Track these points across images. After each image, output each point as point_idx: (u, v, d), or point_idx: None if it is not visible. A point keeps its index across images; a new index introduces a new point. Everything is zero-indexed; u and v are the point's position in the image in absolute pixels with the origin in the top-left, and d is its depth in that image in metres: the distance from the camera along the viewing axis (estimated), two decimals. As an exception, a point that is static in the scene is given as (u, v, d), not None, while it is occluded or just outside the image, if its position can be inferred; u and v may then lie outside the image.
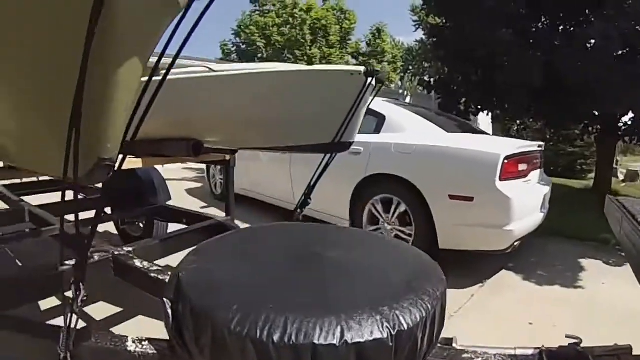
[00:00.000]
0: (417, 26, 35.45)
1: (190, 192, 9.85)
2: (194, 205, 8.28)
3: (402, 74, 40.03)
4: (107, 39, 1.06)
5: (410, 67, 39.90)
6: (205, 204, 8.24)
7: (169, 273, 2.74)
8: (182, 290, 1.35)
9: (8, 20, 1.14)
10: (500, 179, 4.51)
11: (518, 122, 14.26)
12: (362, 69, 2.71)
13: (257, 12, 37.56)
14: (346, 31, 37.55)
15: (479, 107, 11.62)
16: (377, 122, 5.69)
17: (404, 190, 5.03)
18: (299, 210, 3.33)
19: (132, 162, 3.36)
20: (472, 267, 5.14)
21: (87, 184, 1.32)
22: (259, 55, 34.75)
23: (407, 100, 15.09)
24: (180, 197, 8.77)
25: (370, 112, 5.60)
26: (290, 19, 35.50)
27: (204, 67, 3.56)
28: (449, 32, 11.09)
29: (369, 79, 2.71)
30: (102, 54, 1.07)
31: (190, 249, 3.75)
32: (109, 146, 1.24)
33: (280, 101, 2.94)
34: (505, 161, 4.56)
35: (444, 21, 11.82)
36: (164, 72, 1.35)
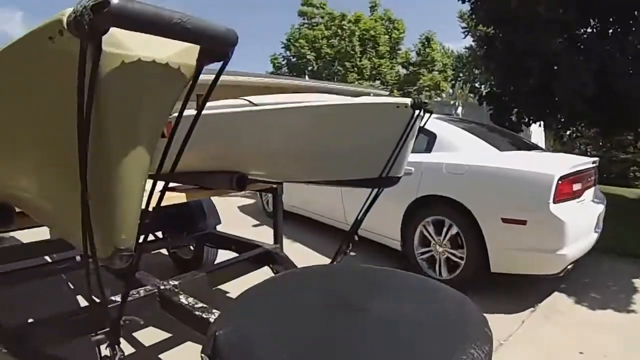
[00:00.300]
0: (466, 33, 34.75)
1: (242, 208, 9.91)
2: (246, 222, 8.32)
3: (453, 82, 39.68)
4: (102, 134, 1.17)
5: (461, 75, 39.54)
6: (257, 222, 8.25)
7: (213, 311, 2.82)
8: (219, 351, 1.37)
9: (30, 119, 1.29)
10: (554, 201, 4.36)
11: (571, 129, 13.96)
12: (409, 101, 2.62)
13: (305, 25, 37.97)
14: (395, 41, 37.55)
15: (531, 118, 11.40)
16: (428, 140, 5.58)
17: (455, 212, 4.92)
18: (344, 253, 3.29)
19: (174, 198, 3.42)
20: (524, 290, 4.98)
21: (108, 265, 1.38)
22: (309, 68, 35.03)
23: (459, 110, 14.82)
24: (232, 214, 8.85)
25: (420, 130, 5.59)
26: (339, 31, 35.69)
27: (245, 100, 3.52)
28: (498, 42, 10.88)
29: (416, 111, 2.64)
30: (100, 151, 1.17)
31: (238, 278, 3.84)
32: (124, 237, 1.33)
33: (324, 135, 2.87)
34: (560, 182, 4.40)
35: (493, 30, 11.63)
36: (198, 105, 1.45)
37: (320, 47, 35.63)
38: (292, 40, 37.35)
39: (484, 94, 12.67)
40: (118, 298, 2.98)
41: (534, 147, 6.72)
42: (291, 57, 37.72)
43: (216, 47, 1.26)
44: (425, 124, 2.91)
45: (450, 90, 39.52)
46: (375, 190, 3.09)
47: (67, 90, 1.10)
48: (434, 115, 6.19)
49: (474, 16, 12.02)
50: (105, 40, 1.04)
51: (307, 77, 29.97)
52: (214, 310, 2.86)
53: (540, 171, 4.51)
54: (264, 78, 23.05)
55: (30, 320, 3.26)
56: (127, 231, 1.33)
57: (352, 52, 35.16)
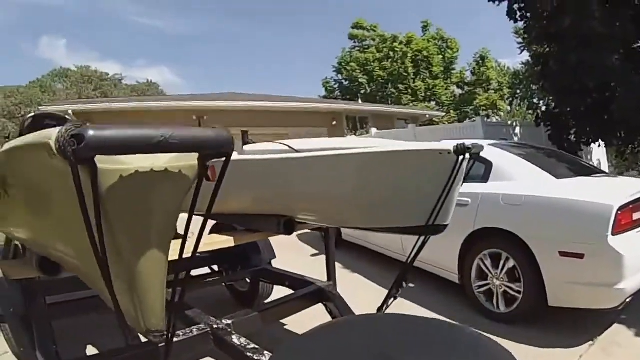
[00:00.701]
0: (522, 48, 34.45)
1: (300, 237, 9.90)
2: (304, 251, 8.34)
3: (511, 100, 39.17)
4: (115, 239, 1.34)
5: (518, 91, 38.99)
6: (316, 251, 8.23)
7: (265, 353, 2.91)
8: None
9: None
10: (613, 234, 4.11)
11: (632, 145, 13.64)
12: (451, 147, 2.49)
13: (356, 48, 38.20)
14: (449, 60, 37.41)
15: (590, 138, 11.19)
16: (485, 169, 5.46)
17: (512, 244, 4.77)
18: (393, 297, 3.23)
19: (222, 242, 3.53)
20: (582, 322, 4.77)
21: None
22: (362, 92, 35.19)
23: (517, 130, 14.67)
24: (290, 243, 8.89)
25: (477, 158, 5.50)
26: (391, 53, 35.73)
27: (285, 145, 3.46)
28: (553, 61, 10.74)
29: (460, 157, 2.50)
30: (118, 255, 1.35)
31: (291, 316, 3.88)
32: (154, 322, 1.49)
33: (366, 182, 2.80)
34: (619, 212, 4.14)
35: (548, 48, 11.52)
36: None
37: (372, 70, 35.75)
38: (343, 64, 37.59)
39: (540, 114, 12.54)
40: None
41: (593, 170, 6.49)
42: (343, 81, 37.96)
43: (212, 151, 1.38)
44: (471, 168, 2.80)
45: (509, 108, 38.98)
46: (422, 238, 2.95)
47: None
48: (490, 142, 6.15)
49: (526, 35, 12.00)
50: (99, 158, 1.16)
51: (359, 100, 30.17)
52: (265, 352, 2.95)
53: (598, 201, 4.34)
54: (317, 103, 23.44)
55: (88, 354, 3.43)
56: (156, 316, 1.50)
57: (405, 74, 35.16)
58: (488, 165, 5.49)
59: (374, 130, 19.08)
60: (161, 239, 1.49)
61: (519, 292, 4.74)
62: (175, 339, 3.16)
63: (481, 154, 5.32)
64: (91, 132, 1.12)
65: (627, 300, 4.30)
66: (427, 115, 27.41)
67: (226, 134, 1.40)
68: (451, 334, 1.80)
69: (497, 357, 1.59)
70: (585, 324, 4.71)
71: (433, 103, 36.26)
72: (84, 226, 1.31)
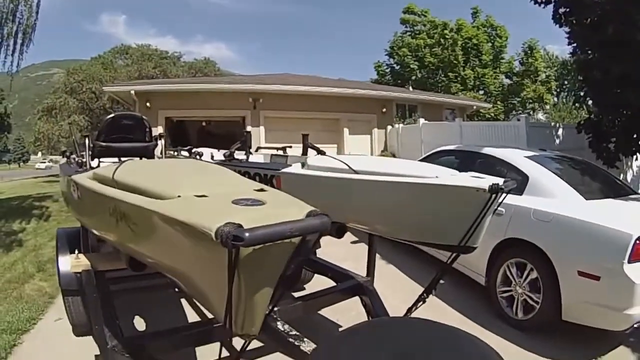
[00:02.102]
0: (567, 36, 33.04)
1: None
2: (345, 238, 8.65)
3: (558, 91, 38.46)
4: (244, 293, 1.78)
5: (566, 82, 38.25)
6: (356, 239, 8.06)
7: (305, 340, 3.36)
8: None
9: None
10: (629, 261, 4.33)
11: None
12: (486, 185, 2.93)
13: (408, 33, 37.79)
14: (498, 49, 36.74)
15: (630, 150, 11.18)
16: (521, 181, 5.58)
17: (537, 257, 5.07)
18: (423, 301, 3.68)
19: None
20: (589, 339, 4.93)
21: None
22: (413, 78, 34.92)
23: (560, 132, 14.38)
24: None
25: (514, 169, 5.93)
26: (442, 40, 35.30)
27: (345, 164, 4.08)
28: (597, 71, 10.52)
29: (493, 196, 2.94)
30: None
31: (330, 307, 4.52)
32: (253, 329, 1.91)
33: (413, 204, 3.30)
34: (637, 242, 4.33)
35: (591, 56, 11.25)
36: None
37: (423, 56, 35.41)
38: (395, 48, 37.28)
39: (582, 121, 12.41)
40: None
41: (625, 191, 6.57)
42: (394, 65, 37.66)
43: (315, 234, 1.94)
44: (501, 202, 3.15)
45: (555, 100, 38.25)
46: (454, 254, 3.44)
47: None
48: (529, 154, 6.48)
49: (572, 41, 11.95)
50: None
51: (410, 87, 29.95)
52: (305, 339, 3.39)
53: (619, 228, 4.52)
54: (369, 90, 23.44)
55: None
56: (257, 323, 1.93)
57: (455, 62, 34.76)
58: (524, 178, 5.77)
59: (422, 121, 19.25)
60: (271, 284, 1.91)
61: (537, 302, 5.07)
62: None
63: (519, 167, 5.83)
64: (247, 235, 1.56)
65: (635, 325, 4.53)
66: (475, 107, 27.23)
67: (327, 220, 1.90)
68: (467, 343, 1.99)
69: None
70: (593, 342, 4.93)
71: (481, 92, 35.80)
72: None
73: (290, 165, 4.86)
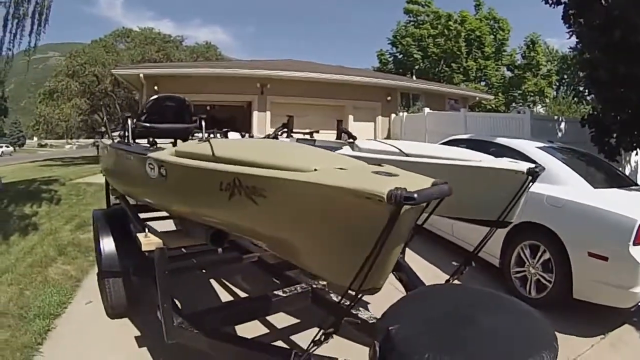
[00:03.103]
0: (572, 34, 33.50)
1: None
2: None
3: (558, 85, 38.63)
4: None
5: (565, 76, 38.44)
6: None
7: (360, 309, 3.61)
8: (391, 342, 2.03)
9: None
10: (634, 244, 4.68)
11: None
12: (525, 168, 3.39)
13: (411, 23, 37.94)
14: (500, 42, 36.99)
15: (631, 145, 11.44)
16: None
17: (550, 240, 5.36)
18: (461, 273, 3.84)
19: None
20: (598, 317, 5.19)
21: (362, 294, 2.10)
22: (416, 67, 34.90)
23: (562, 126, 14.68)
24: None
25: (527, 159, 6.01)
26: (446, 31, 35.47)
27: (395, 147, 4.38)
28: (604, 72, 10.83)
29: (529, 177, 3.36)
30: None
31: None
32: (382, 282, 2.04)
33: (459, 183, 3.25)
34: None
35: (598, 55, 11.33)
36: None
37: (426, 46, 35.58)
38: (398, 37, 37.39)
39: (586, 116, 12.63)
40: (279, 293, 4.02)
41: (627, 182, 6.96)
42: (398, 54, 37.78)
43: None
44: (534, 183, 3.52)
45: (555, 93, 38.45)
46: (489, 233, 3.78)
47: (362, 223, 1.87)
48: (540, 145, 6.69)
49: (579, 45, 12.18)
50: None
51: (414, 76, 29.96)
52: (360, 308, 3.62)
53: (624, 214, 4.89)
54: (374, 78, 23.51)
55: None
56: (385, 278, 2.07)
57: (458, 53, 34.96)
58: (540, 168, 5.96)
59: (426, 110, 19.37)
60: (405, 239, 2.12)
61: (549, 281, 5.37)
62: (282, 294, 4.04)
63: (532, 157, 6.09)
64: (416, 196, 1.71)
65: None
66: (477, 98, 27.35)
67: (450, 187, 2.02)
68: (506, 301, 2.54)
69: (539, 321, 2.28)
70: (600, 320, 5.21)
71: (483, 84, 36.04)
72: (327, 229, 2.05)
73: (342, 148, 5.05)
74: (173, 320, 3.28)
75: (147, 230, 3.60)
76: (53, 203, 11.46)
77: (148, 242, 3.38)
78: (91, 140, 51.74)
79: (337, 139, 5.86)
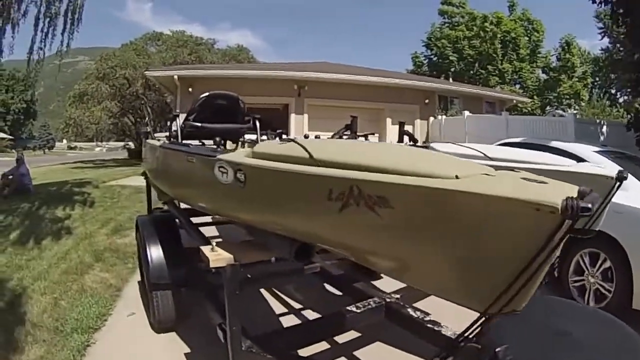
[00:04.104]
0: (603, 34, 33.60)
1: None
2: None
3: (591, 88, 38.11)
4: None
5: (597, 79, 37.89)
6: None
7: (442, 324, 3.34)
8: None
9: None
10: None
11: None
12: (613, 173, 3.18)
13: (446, 25, 37.89)
14: (535, 43, 36.82)
15: None
16: None
17: (611, 248, 5.15)
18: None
19: None
20: None
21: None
22: (452, 70, 34.85)
23: (604, 129, 14.99)
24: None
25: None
26: (481, 32, 35.35)
27: (478, 151, 4.18)
28: None
29: (618, 183, 3.11)
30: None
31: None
32: (524, 304, 1.73)
33: None
34: None
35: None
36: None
37: (462, 48, 35.52)
38: (432, 39, 37.36)
39: (632, 119, 13.33)
40: (352, 309, 3.70)
41: None
42: (432, 57, 37.76)
43: None
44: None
45: (587, 96, 37.97)
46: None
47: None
48: (597, 149, 6.55)
49: (620, 47, 12.74)
50: None
51: (450, 79, 29.81)
52: (442, 324, 3.34)
53: None
54: (412, 81, 23.39)
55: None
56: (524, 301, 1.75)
57: (493, 55, 34.89)
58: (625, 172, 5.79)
59: (466, 113, 19.29)
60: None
61: (609, 291, 5.13)
62: (356, 310, 3.70)
63: (591, 162, 5.79)
64: (590, 206, 1.47)
65: None
66: (514, 101, 27.05)
67: (597, 196, 1.74)
68: (594, 312, 2.70)
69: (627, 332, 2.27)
70: None
71: (517, 86, 35.88)
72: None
73: None
74: (241, 344, 2.95)
75: (214, 243, 3.23)
76: (87, 206, 11.17)
77: (217, 257, 3.00)
78: (121, 143, 52.30)
79: (398, 141, 5.46)
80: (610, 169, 3.43)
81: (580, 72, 36.83)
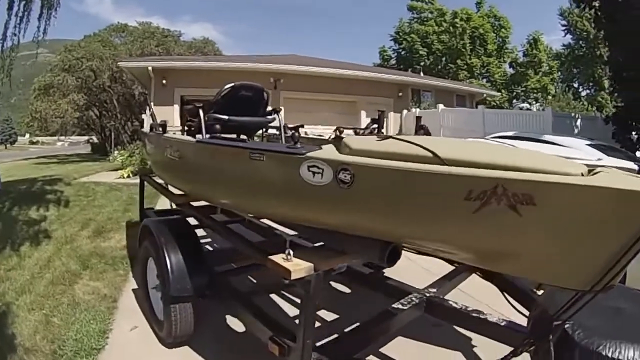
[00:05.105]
0: (567, 31, 34.68)
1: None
2: None
3: (556, 83, 38.88)
4: None
5: (560, 73, 38.69)
6: None
7: (485, 312, 3.34)
8: (569, 335, 2.15)
9: None
10: None
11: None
12: None
13: (415, 20, 38.27)
14: (502, 39, 37.59)
15: None
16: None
17: None
18: None
19: None
20: None
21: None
22: (422, 64, 35.19)
23: (579, 123, 15.54)
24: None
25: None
26: (451, 28, 35.86)
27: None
28: (634, 74, 11.93)
29: None
30: None
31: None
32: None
33: None
34: None
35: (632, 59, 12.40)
36: None
37: (431, 43, 35.97)
38: (401, 34, 37.71)
39: (610, 115, 14.33)
40: (398, 306, 3.56)
41: None
42: (401, 51, 38.11)
43: None
44: None
45: (553, 90, 38.72)
46: None
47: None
48: (588, 142, 6.71)
49: (607, 44, 14.32)
50: None
51: (422, 72, 30.02)
52: (485, 312, 3.33)
53: None
54: (386, 74, 23.50)
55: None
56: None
57: (462, 50, 35.36)
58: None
59: (441, 106, 19.53)
60: None
61: None
62: (402, 307, 3.56)
63: (586, 154, 5.76)
64: None
65: None
66: (484, 94, 27.41)
67: None
68: None
69: None
70: None
71: (485, 80, 36.63)
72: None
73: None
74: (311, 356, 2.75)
75: (290, 250, 2.77)
76: (62, 205, 10.23)
77: (297, 267, 2.64)
78: (83, 138, 51.09)
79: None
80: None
81: (547, 67, 37.90)
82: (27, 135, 78.90)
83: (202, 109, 4.34)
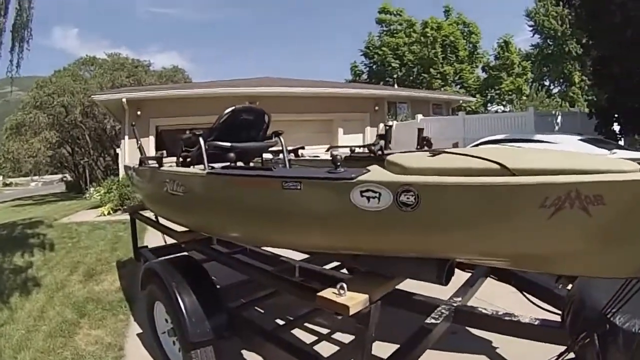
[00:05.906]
0: (534, 31, 35.99)
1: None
2: None
3: (531, 83, 39.36)
4: None
5: (530, 73, 39.23)
6: None
7: (516, 314, 3.30)
8: (617, 328, 2.21)
9: None
10: None
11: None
12: None
13: (385, 33, 38.59)
14: (473, 45, 38.17)
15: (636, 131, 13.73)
16: None
17: None
18: None
19: None
20: None
21: None
22: (395, 76, 35.58)
23: (559, 119, 15.86)
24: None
25: None
26: (422, 38, 36.23)
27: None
28: (617, 68, 12.34)
29: None
30: None
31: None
32: None
33: None
34: None
35: (609, 53, 12.95)
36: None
37: (403, 54, 36.33)
38: (371, 48, 38.14)
39: (594, 109, 14.62)
40: (431, 320, 3.46)
41: None
42: (372, 65, 38.51)
43: None
44: None
45: (527, 90, 39.21)
46: None
47: None
48: (579, 137, 6.75)
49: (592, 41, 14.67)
50: None
51: (396, 85, 30.19)
52: (516, 314, 3.30)
53: None
54: (361, 89, 23.56)
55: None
56: None
57: (434, 59, 35.71)
58: None
59: (419, 117, 19.56)
60: None
61: None
62: (434, 321, 3.45)
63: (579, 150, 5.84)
64: None
65: None
66: (461, 101, 27.64)
67: None
68: None
69: None
70: None
71: (459, 87, 37.05)
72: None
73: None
74: None
75: (344, 284, 2.50)
76: (47, 249, 9.79)
77: (353, 301, 2.40)
78: (56, 177, 50.35)
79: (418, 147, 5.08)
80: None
81: (519, 68, 38.32)
82: (0, 178, 77.59)
83: (201, 136, 4.03)
